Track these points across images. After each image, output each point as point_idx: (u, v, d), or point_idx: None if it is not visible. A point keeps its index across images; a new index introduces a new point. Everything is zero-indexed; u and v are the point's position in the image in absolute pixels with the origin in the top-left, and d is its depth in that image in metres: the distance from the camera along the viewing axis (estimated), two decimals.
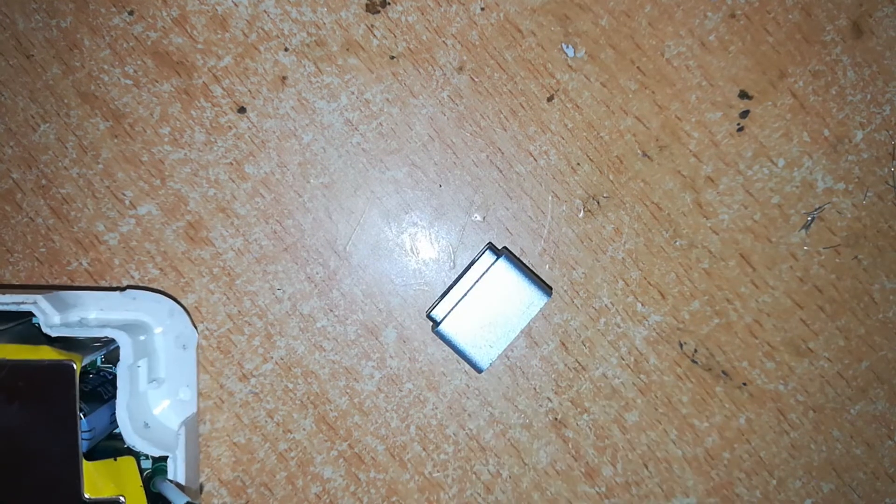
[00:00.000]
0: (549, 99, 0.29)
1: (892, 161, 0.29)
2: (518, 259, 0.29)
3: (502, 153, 0.29)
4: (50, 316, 0.25)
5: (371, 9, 0.28)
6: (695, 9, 0.29)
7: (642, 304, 0.29)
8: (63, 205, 0.28)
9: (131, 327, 0.27)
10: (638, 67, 0.29)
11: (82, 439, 0.23)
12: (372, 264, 0.29)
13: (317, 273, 0.29)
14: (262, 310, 0.29)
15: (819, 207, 0.30)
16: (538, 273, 0.29)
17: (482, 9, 0.29)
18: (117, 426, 0.25)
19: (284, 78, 0.29)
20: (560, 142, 0.29)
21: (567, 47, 0.29)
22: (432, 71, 0.29)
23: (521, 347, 0.29)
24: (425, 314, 0.29)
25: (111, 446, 0.26)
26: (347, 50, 0.29)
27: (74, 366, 0.23)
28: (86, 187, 0.28)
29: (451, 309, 0.27)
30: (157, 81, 0.28)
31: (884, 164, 0.29)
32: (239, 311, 0.29)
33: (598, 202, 0.29)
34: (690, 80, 0.29)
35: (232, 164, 0.29)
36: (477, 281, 0.27)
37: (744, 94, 0.29)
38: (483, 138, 0.29)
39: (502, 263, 0.27)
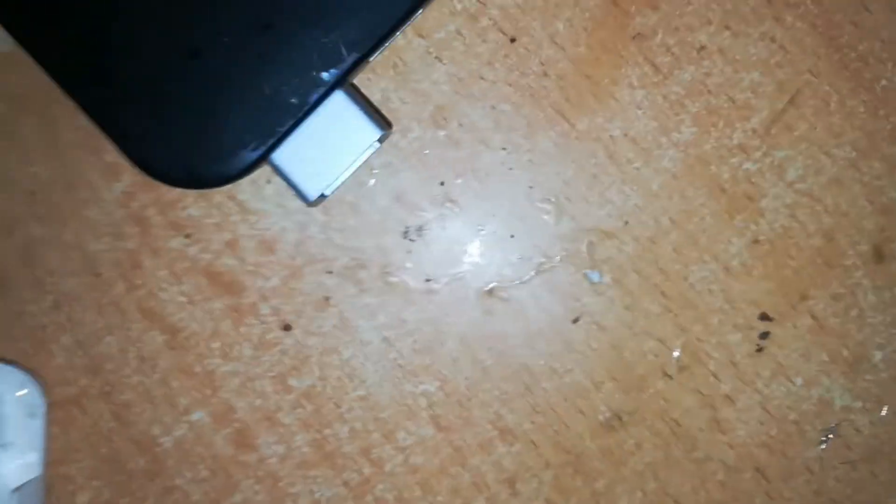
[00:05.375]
0: (575, 321, 0.31)
1: None
2: (362, 94, 0.28)
3: (529, 370, 0.31)
4: None
5: (407, 236, 0.30)
6: (719, 235, 0.30)
7: None
8: (123, 409, 0.31)
9: None
10: (662, 292, 0.30)
11: None
12: (403, 474, 0.31)
13: (352, 479, 0.31)
14: None
15: (836, 424, 0.31)
16: None
17: (511, 236, 0.30)
18: None
19: (328, 298, 0.31)
20: (584, 361, 0.31)
21: (592, 273, 0.30)
22: (464, 294, 0.31)
23: None
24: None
25: None
26: (387, 273, 0.31)
27: None
28: (144, 394, 0.31)
29: (283, 138, 0.26)
30: (209, 299, 0.31)
31: None
32: None
33: (621, 418, 0.31)
34: (713, 304, 0.30)
35: (277, 377, 0.31)
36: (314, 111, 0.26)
37: (764, 317, 0.31)
38: (510, 356, 0.31)
39: (339, 95, 0.26)
